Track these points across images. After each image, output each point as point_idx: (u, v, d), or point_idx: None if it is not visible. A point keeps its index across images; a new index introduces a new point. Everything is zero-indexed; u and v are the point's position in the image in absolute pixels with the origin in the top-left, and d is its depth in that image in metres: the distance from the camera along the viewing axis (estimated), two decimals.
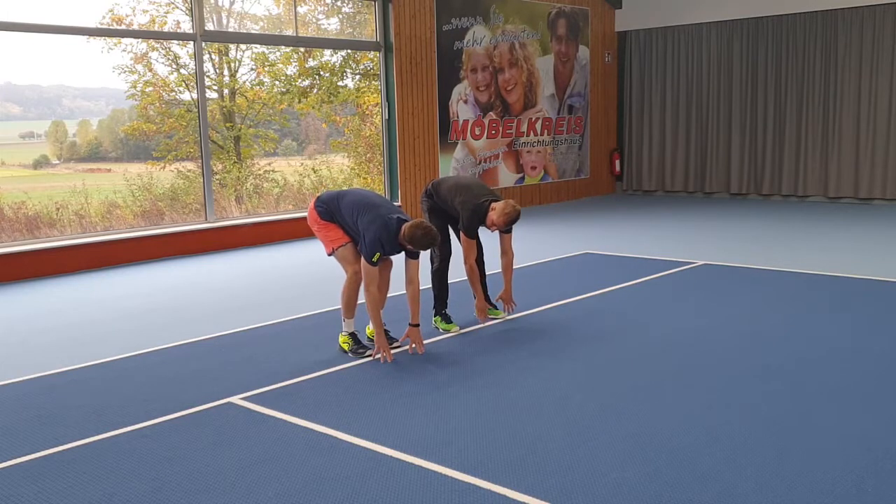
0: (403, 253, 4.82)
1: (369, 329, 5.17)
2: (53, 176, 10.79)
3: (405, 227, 4.64)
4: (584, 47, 13.31)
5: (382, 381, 4.45)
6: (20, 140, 10.69)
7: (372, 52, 10.85)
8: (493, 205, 5.22)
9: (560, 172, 13.15)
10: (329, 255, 5.03)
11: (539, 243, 8.84)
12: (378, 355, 4.79)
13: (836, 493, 3.04)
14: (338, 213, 4.91)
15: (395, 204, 5.02)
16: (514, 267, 5.81)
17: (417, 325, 4.90)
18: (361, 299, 4.99)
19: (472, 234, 5.30)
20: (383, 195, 5.08)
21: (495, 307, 5.74)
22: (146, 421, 3.91)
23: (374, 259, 4.67)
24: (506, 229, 5.36)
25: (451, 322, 5.46)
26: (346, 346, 4.96)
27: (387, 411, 4.00)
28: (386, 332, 5.04)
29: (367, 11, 10.84)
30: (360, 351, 4.91)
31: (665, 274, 7.12)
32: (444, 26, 11.03)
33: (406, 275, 4.84)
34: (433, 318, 5.51)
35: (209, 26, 9.65)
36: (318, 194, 5.12)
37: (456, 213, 5.37)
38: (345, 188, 5.02)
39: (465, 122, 11.45)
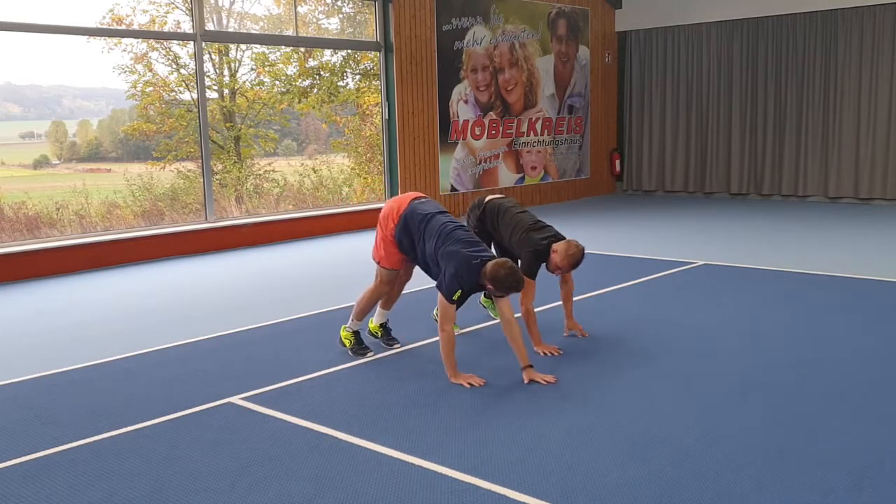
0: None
1: (372, 324, 5.12)
2: (53, 176, 10.79)
3: (488, 265, 4.26)
4: (584, 47, 13.31)
5: (382, 382, 4.45)
6: (20, 140, 10.69)
7: (372, 52, 10.85)
8: (555, 246, 4.85)
9: (560, 172, 13.15)
10: (374, 260, 4.86)
11: None
12: (474, 383, 4.33)
13: (836, 493, 3.04)
14: (417, 234, 4.60)
15: (477, 241, 4.58)
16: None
17: (530, 366, 4.40)
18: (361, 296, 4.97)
19: (533, 275, 4.92)
20: (467, 230, 4.63)
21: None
22: (146, 421, 3.91)
23: (455, 297, 4.31)
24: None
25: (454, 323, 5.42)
26: (347, 343, 4.93)
27: (387, 411, 4.00)
28: (388, 330, 5.06)
29: (368, 11, 10.84)
30: (361, 351, 4.89)
31: (665, 274, 7.12)
32: (445, 26, 11.03)
33: (501, 316, 4.42)
34: (434, 313, 5.46)
35: (209, 26, 9.65)
36: (405, 205, 4.71)
37: (510, 248, 5.08)
38: (431, 211, 4.67)
39: (466, 122, 11.45)
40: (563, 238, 4.94)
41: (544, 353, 4.83)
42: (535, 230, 4.99)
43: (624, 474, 3.22)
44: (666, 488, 3.10)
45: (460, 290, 4.31)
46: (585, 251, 4.92)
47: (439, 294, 4.37)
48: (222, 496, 3.13)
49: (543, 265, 4.97)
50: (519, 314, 4.80)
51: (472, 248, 4.38)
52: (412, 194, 4.84)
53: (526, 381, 4.33)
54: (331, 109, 12.15)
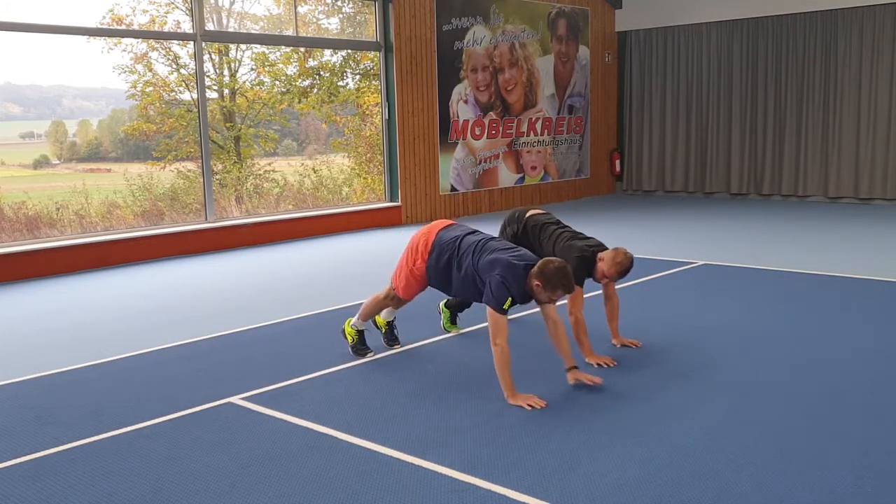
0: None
1: (379, 318, 5.06)
2: (53, 176, 10.80)
3: (535, 265, 4.09)
4: (584, 47, 13.31)
5: (382, 382, 4.45)
6: (20, 140, 10.70)
7: (372, 52, 10.85)
8: (601, 254, 4.75)
9: (560, 172, 13.15)
10: (392, 284, 4.74)
11: None
12: (535, 405, 4.00)
13: (836, 493, 3.04)
14: (453, 260, 4.41)
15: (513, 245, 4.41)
16: None
17: (575, 367, 4.26)
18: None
19: (580, 283, 4.71)
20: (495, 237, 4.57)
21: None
22: (146, 421, 3.91)
23: (506, 306, 4.05)
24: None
25: (455, 324, 5.43)
26: (350, 339, 4.90)
27: (387, 411, 3.99)
28: (393, 328, 5.04)
29: (368, 11, 10.84)
30: (361, 351, 4.88)
31: (665, 274, 7.12)
32: (445, 26, 11.03)
33: (546, 317, 4.26)
34: (441, 305, 5.42)
35: (209, 26, 9.65)
36: (433, 237, 4.54)
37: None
38: (459, 234, 4.49)
39: (466, 122, 11.45)
40: (607, 248, 4.85)
41: (598, 365, 4.63)
42: (579, 239, 4.94)
43: (624, 474, 3.22)
44: (666, 488, 3.10)
45: (511, 298, 4.05)
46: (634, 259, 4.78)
47: (488, 309, 4.10)
48: (222, 496, 3.13)
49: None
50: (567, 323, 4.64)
51: (513, 252, 4.21)
52: (439, 223, 4.68)
53: (571, 383, 4.21)
54: (331, 109, 12.15)
